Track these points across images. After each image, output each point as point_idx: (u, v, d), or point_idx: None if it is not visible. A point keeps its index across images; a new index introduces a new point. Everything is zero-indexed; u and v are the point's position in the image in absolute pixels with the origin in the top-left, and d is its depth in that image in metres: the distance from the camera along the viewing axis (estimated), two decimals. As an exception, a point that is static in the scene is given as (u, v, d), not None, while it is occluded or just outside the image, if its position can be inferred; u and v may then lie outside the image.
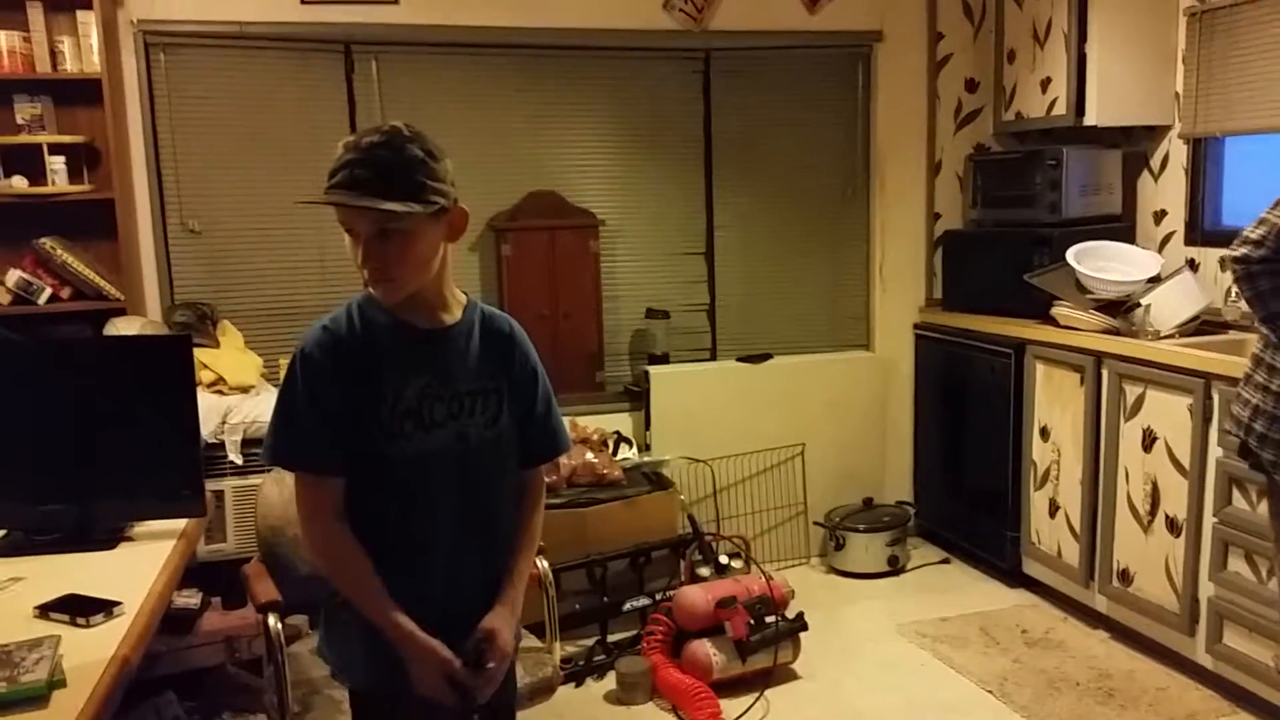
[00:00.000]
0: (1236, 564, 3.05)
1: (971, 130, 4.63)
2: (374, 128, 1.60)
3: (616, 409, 4.30)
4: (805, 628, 3.45)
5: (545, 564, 2.58)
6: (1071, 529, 3.73)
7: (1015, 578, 4.10)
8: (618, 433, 4.13)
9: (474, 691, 1.67)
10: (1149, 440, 3.37)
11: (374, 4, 3.86)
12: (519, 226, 4.04)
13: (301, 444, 1.65)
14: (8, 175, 3.42)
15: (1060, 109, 4.03)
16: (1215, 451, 3.11)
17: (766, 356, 4.43)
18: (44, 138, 3.45)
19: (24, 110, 3.45)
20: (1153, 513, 3.37)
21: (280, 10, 3.77)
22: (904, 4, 4.48)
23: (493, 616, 1.72)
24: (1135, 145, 4.10)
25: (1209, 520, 3.14)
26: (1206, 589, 3.17)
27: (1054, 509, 3.83)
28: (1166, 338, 3.45)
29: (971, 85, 4.61)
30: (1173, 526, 3.29)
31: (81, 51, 3.46)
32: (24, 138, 3.43)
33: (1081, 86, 3.93)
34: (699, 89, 4.35)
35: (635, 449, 4.12)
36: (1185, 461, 3.22)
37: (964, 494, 4.39)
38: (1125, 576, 3.51)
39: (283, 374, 1.67)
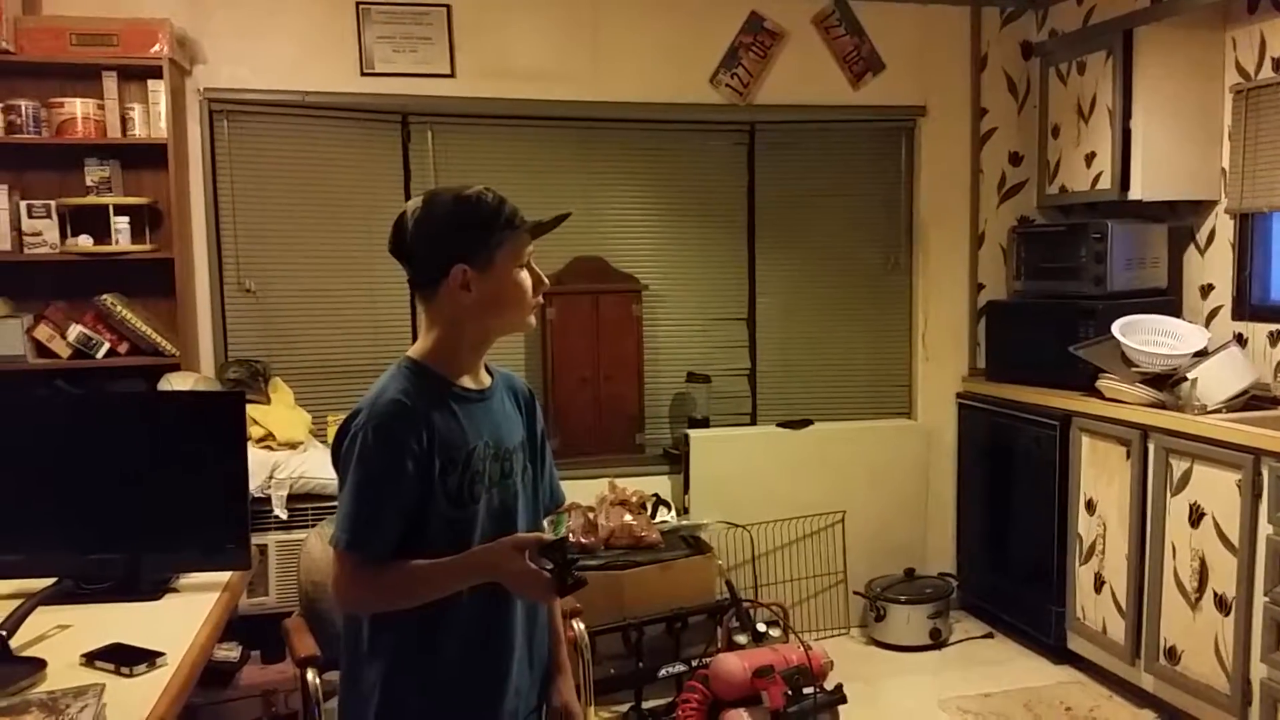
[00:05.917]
0: (1289, 646, 2.98)
1: (1015, 203, 4.65)
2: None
3: (656, 471, 4.31)
4: (844, 700, 3.38)
5: (581, 626, 2.58)
6: (1117, 605, 3.66)
7: (1060, 654, 4.01)
8: (656, 495, 4.13)
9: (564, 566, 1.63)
10: (1196, 516, 3.31)
11: (431, 76, 3.99)
12: (564, 290, 4.11)
13: (383, 534, 1.61)
14: (75, 234, 3.55)
15: (1105, 183, 4.04)
16: (1265, 529, 3.05)
17: (807, 422, 4.43)
18: (110, 199, 3.58)
19: (94, 173, 3.60)
20: (1200, 590, 3.30)
21: (341, 81, 3.91)
22: (947, 80, 4.54)
23: (564, 689, 1.86)
24: (1181, 219, 4.08)
25: (1260, 599, 3.07)
26: (1259, 670, 3.08)
27: (1099, 584, 3.76)
28: (1213, 412, 3.41)
29: (1015, 159, 4.63)
30: (1221, 605, 3.21)
31: (150, 118, 3.60)
32: (92, 199, 3.57)
33: (1126, 161, 3.95)
34: (744, 159, 4.43)
35: (674, 512, 4.12)
36: (1234, 538, 3.16)
37: (1008, 567, 4.32)
38: (1173, 655, 3.42)
39: (332, 433, 1.71)
